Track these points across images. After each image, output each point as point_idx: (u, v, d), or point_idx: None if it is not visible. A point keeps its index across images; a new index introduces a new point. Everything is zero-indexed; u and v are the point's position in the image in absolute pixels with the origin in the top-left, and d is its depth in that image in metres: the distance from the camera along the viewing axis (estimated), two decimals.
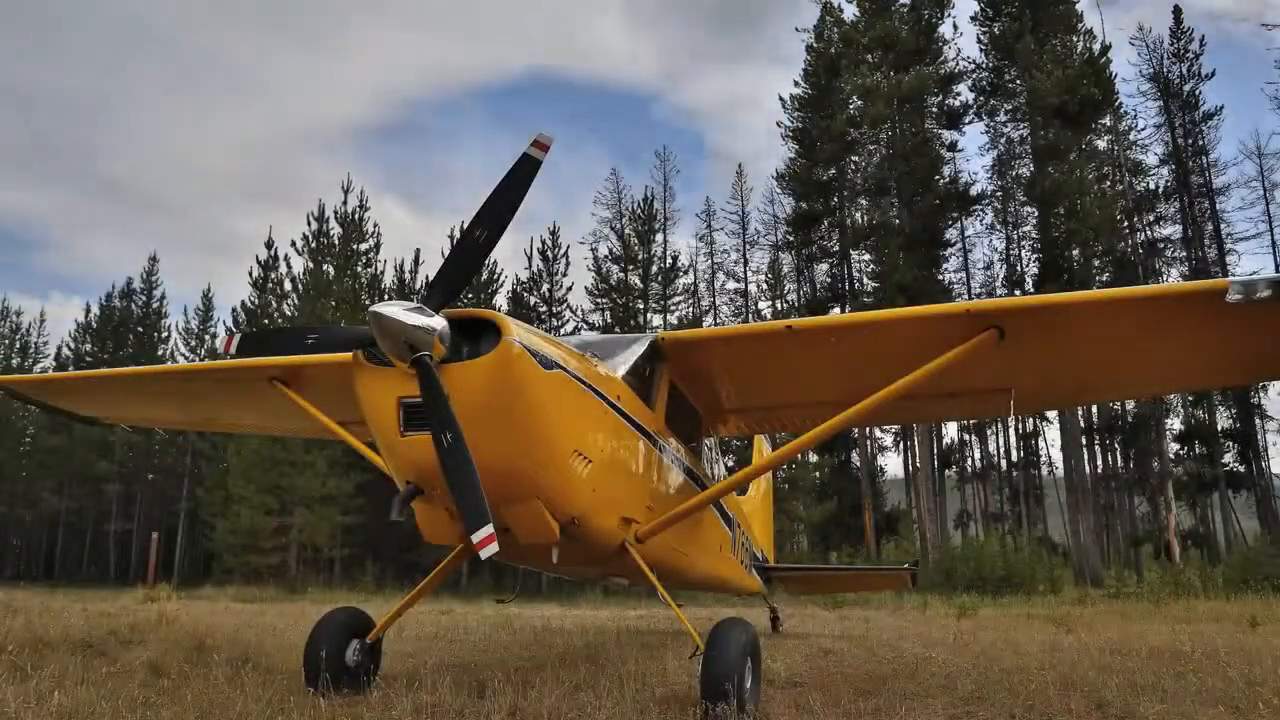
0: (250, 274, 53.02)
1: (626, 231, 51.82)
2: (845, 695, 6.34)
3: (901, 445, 50.36)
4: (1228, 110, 49.83)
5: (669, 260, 52.19)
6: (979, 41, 50.20)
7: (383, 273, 53.09)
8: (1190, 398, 45.00)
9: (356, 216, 50.52)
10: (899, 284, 41.00)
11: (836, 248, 53.07)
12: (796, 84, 54.42)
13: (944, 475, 51.11)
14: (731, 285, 55.80)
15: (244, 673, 6.75)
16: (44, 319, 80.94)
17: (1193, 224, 47.67)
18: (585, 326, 49.39)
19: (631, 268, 51.09)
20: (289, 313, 47.54)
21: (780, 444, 15.23)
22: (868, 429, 44.78)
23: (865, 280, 50.73)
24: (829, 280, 54.57)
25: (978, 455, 54.40)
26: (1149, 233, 47.69)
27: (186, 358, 56.92)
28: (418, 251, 73.55)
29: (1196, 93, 48.04)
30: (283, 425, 11.58)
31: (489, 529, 4.95)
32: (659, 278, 51.25)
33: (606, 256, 51.33)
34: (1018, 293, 46.27)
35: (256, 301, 52.18)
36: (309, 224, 49.11)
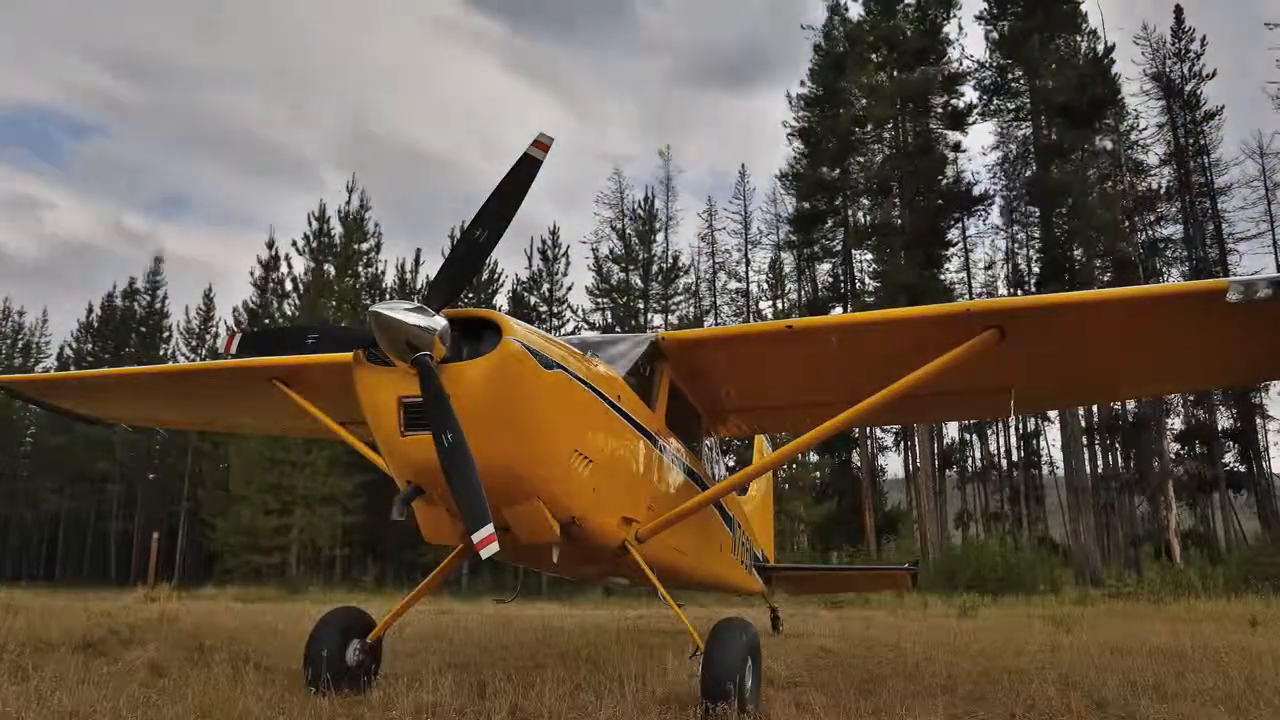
0: (251, 274, 53.12)
1: (628, 231, 51.87)
2: (845, 695, 6.33)
3: (901, 445, 50.41)
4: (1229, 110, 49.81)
5: (670, 260, 52.25)
6: (986, 40, 50.31)
7: (383, 273, 53.24)
8: (1190, 398, 45.00)
9: (357, 216, 50.57)
10: (900, 284, 41.04)
11: (839, 247, 53.08)
12: (802, 83, 54.54)
13: (944, 475, 51.15)
14: (733, 285, 55.86)
15: (245, 672, 6.75)
16: (45, 319, 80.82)
17: (1194, 224, 47.65)
18: (586, 326, 49.41)
19: (632, 267, 51.11)
20: (289, 313, 47.56)
21: (780, 444, 15.24)
22: (868, 429, 44.80)
23: (867, 280, 50.84)
24: (830, 280, 54.66)
25: (978, 455, 54.48)
26: (1150, 232, 47.70)
27: (188, 357, 56.93)
28: (418, 251, 73.55)
29: (1198, 92, 48.08)
30: (283, 425, 11.58)
31: (489, 529, 4.94)
32: (660, 277, 51.27)
33: (607, 256, 51.40)
34: (1019, 292, 46.29)
35: (257, 301, 52.21)
36: (310, 224, 49.20)
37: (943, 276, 47.82)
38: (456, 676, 6.70)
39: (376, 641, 6.82)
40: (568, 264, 51.52)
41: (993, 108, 49.60)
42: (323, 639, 6.46)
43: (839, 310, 50.23)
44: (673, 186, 53.31)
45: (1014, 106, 49.04)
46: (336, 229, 49.60)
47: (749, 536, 11.49)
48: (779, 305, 51.12)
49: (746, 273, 55.35)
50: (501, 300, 50.47)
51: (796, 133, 53.88)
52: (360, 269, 51.01)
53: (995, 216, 51.10)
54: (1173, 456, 45.12)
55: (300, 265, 49.08)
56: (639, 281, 50.96)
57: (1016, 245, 50.86)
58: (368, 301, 44.23)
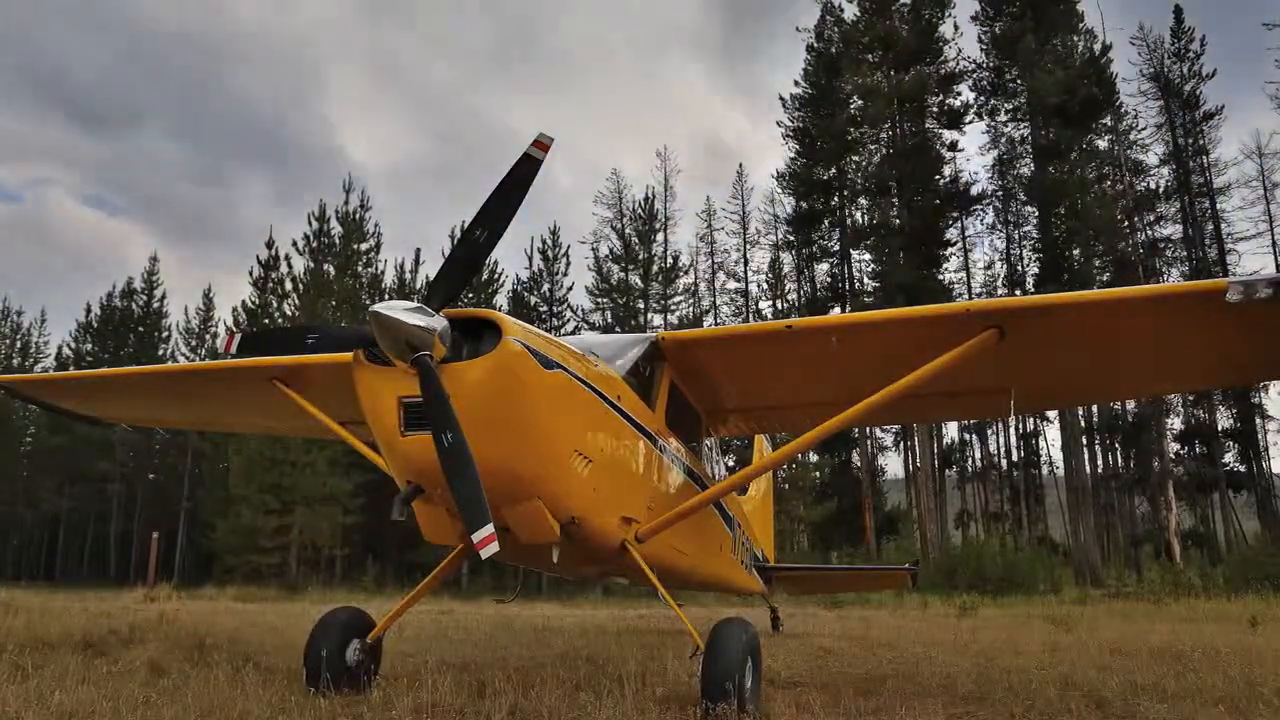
0: (251, 274, 53.09)
1: (627, 231, 51.88)
2: (845, 695, 6.34)
3: (901, 445, 50.39)
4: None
5: (669, 260, 52.25)
6: (980, 41, 50.36)
7: (383, 272, 53.24)
8: (1190, 398, 45.02)
9: (357, 216, 50.59)
10: (899, 284, 41.07)
11: (837, 247, 53.12)
12: (797, 83, 54.62)
13: (944, 475, 51.12)
14: (732, 285, 55.84)
15: (245, 672, 6.75)
16: (44, 318, 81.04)
17: (1193, 224, 47.69)
18: (585, 326, 49.43)
19: (632, 267, 51.11)
20: (289, 313, 47.55)
21: (780, 444, 15.24)
22: (868, 429, 44.82)
23: (865, 280, 50.81)
24: (829, 280, 54.64)
25: (978, 455, 54.46)
26: (1149, 233, 47.73)
27: (187, 357, 56.94)
28: (418, 251, 73.62)
29: (1197, 92, 48.09)
30: (283, 425, 11.59)
31: (489, 529, 4.94)
32: (659, 277, 51.26)
33: (607, 256, 51.41)
34: (1018, 292, 46.30)
35: (257, 301, 52.19)
36: (310, 224, 49.21)
37: (941, 276, 47.86)
38: (456, 676, 6.70)
39: (376, 641, 6.81)
40: (568, 264, 51.62)
41: (990, 107, 49.66)
42: (322, 639, 6.45)
43: (838, 310, 50.27)
44: (671, 187, 53.33)
45: (1011, 106, 49.09)
46: (336, 229, 49.65)
47: (749, 536, 11.50)
48: (778, 305, 51.15)
49: (745, 273, 55.40)
50: (501, 300, 50.49)
51: (792, 133, 53.94)
52: (360, 269, 51.03)
53: (990, 216, 51.15)
54: (1173, 456, 45.12)
55: (300, 265, 49.15)
56: (639, 281, 50.96)
57: (1011, 245, 50.92)
58: (368, 301, 44.26)
